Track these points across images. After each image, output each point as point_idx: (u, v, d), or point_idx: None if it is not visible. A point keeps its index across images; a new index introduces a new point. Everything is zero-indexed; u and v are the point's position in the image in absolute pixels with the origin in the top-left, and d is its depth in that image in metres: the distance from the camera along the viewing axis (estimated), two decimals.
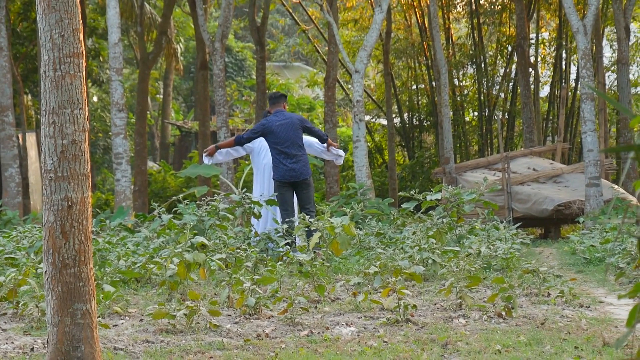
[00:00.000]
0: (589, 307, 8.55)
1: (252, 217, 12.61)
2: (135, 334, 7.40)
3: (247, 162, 24.59)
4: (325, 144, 13.40)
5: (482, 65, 29.89)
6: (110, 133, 29.90)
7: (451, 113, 26.03)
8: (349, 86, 30.40)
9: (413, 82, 31.82)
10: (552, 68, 30.19)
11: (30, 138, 28.29)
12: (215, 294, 9.25)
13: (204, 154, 13.39)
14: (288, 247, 11.53)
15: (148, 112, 33.98)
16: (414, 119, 31.51)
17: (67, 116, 5.88)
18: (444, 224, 12.41)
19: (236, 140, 13.24)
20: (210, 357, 6.57)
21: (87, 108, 5.95)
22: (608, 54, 30.56)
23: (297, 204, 13.01)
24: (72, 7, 5.91)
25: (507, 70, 30.37)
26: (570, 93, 28.00)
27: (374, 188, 19.76)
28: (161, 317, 7.48)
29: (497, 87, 30.62)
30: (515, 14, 25.82)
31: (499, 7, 30.19)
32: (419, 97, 31.63)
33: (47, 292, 5.85)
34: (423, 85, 31.36)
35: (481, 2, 30.11)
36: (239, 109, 38.47)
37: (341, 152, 13.91)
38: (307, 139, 13.58)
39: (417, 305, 8.08)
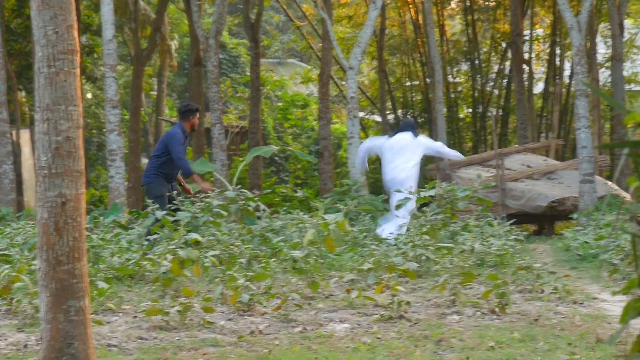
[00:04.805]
0: (582, 303, 8.56)
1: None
2: (128, 330, 7.40)
3: (241, 158, 24.54)
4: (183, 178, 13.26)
5: (476, 61, 29.92)
6: (104, 129, 29.84)
7: (445, 109, 26.01)
8: (343, 83, 30.39)
9: (407, 79, 31.84)
10: (546, 64, 30.24)
11: (24, 135, 28.21)
12: (209, 291, 9.25)
13: None
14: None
15: (142, 109, 33.93)
16: (408, 116, 31.51)
17: (62, 113, 5.86)
18: (437, 220, 12.41)
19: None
20: (204, 354, 6.56)
21: (81, 105, 5.94)
22: (602, 50, 30.59)
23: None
24: (66, 3, 5.89)
25: (501, 66, 30.40)
26: (564, 90, 28.03)
27: (367, 185, 19.76)
28: (155, 314, 7.48)
29: (491, 83, 30.66)
30: (510, 10, 25.85)
31: (493, 3, 30.23)
32: (413, 94, 31.64)
33: (41, 288, 5.84)
34: (417, 82, 31.38)
35: None
36: (233, 105, 38.37)
37: (457, 154, 15.17)
38: (426, 142, 14.01)
39: (410, 302, 8.08)
